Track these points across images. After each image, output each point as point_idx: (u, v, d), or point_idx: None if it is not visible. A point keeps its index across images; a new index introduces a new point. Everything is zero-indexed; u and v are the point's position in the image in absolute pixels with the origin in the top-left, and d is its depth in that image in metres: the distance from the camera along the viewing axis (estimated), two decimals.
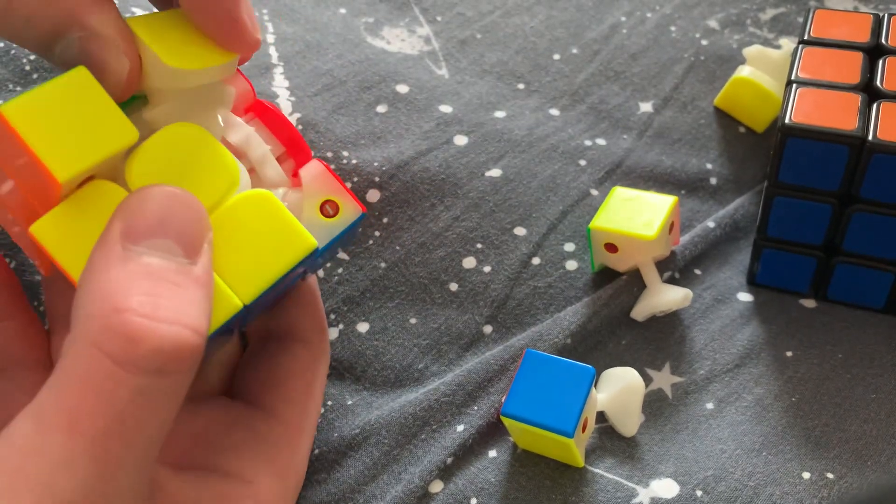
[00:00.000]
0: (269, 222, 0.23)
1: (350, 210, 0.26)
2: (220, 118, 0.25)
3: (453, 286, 0.34)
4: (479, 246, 0.35)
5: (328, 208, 0.26)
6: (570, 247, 0.36)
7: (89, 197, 0.22)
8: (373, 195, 0.35)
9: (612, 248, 0.33)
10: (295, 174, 0.27)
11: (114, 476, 0.19)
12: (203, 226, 0.21)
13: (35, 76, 0.38)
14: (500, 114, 0.39)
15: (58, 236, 0.22)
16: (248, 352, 0.30)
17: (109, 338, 0.19)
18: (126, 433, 0.19)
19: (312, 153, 0.27)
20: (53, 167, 0.21)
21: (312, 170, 0.26)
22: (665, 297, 0.33)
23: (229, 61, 0.24)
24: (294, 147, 0.27)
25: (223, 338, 0.27)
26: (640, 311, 0.33)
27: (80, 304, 0.20)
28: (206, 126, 0.24)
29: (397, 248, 0.35)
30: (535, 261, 0.35)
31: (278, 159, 0.26)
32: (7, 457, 0.19)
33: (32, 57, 0.38)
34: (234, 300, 0.22)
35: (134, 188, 0.22)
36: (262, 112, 0.26)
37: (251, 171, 0.26)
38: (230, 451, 0.26)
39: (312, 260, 0.25)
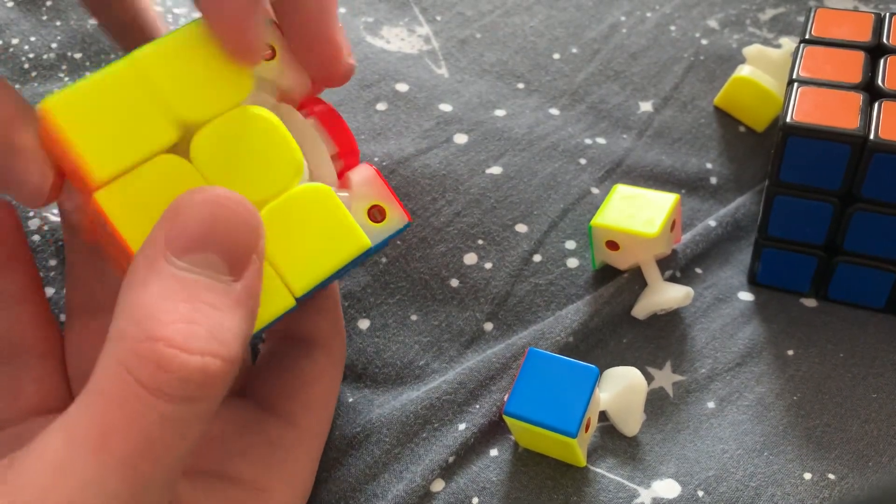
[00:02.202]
0: (326, 217, 0.23)
1: (396, 217, 0.26)
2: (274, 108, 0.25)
3: (454, 282, 0.34)
4: (480, 242, 0.35)
5: (375, 213, 0.26)
6: (570, 244, 0.35)
7: (156, 170, 0.22)
8: None
9: (613, 245, 0.33)
10: (341, 175, 0.27)
11: (142, 495, 0.19)
12: (252, 236, 0.21)
13: (34, 73, 0.38)
14: (499, 112, 0.39)
15: (121, 206, 0.22)
16: (266, 353, 0.30)
17: (139, 363, 0.19)
18: (155, 454, 0.19)
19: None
20: (92, 167, 0.21)
21: (364, 173, 0.26)
22: (666, 294, 0.33)
23: (245, 97, 0.24)
24: (347, 149, 0.26)
25: None
26: (642, 309, 0.33)
27: (117, 316, 0.20)
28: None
29: (398, 242, 0.34)
30: (537, 258, 0.35)
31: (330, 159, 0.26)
32: (37, 473, 0.19)
33: (32, 55, 0.38)
34: (287, 297, 0.22)
35: (197, 165, 0.22)
36: (319, 109, 0.26)
37: None
38: (243, 457, 0.26)
39: (359, 261, 0.24)
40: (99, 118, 0.21)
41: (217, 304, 0.20)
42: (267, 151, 0.23)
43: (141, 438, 0.19)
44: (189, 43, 0.23)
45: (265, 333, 0.31)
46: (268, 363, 0.29)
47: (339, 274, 0.24)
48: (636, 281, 0.34)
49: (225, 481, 0.25)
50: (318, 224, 0.23)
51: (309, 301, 0.29)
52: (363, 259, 0.26)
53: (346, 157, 0.27)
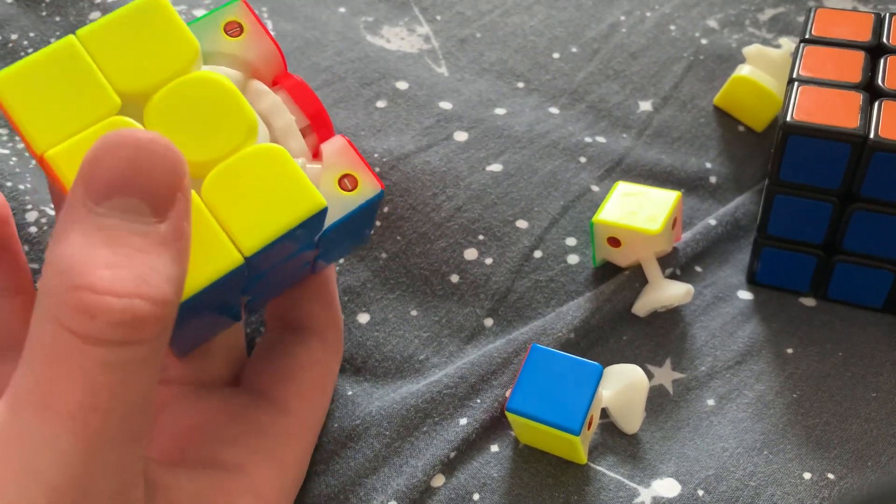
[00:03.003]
0: (278, 177, 0.23)
1: (368, 186, 0.26)
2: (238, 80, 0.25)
3: (454, 278, 0.34)
4: (480, 237, 0.35)
5: (346, 182, 0.26)
6: (571, 241, 0.35)
7: (107, 131, 0.22)
8: None
9: (615, 242, 0.33)
10: (316, 151, 0.27)
11: (98, 452, 0.19)
12: (175, 175, 0.20)
13: None
14: (499, 111, 0.39)
15: (72, 166, 0.22)
16: (261, 342, 0.30)
17: (69, 313, 0.18)
18: (102, 405, 0.19)
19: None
20: (35, 137, 0.22)
21: (335, 144, 0.26)
22: (667, 292, 0.33)
23: (190, 66, 0.24)
24: (318, 122, 0.26)
25: (222, 319, 0.26)
26: (642, 307, 0.33)
27: (43, 272, 0.19)
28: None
29: (398, 238, 0.35)
30: (537, 254, 0.35)
31: (302, 132, 0.26)
32: None
33: (31, 51, 0.38)
34: (235, 255, 0.22)
35: (150, 128, 0.22)
36: (289, 84, 0.26)
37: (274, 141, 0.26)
38: (230, 442, 0.25)
39: (320, 229, 0.24)
40: (41, 91, 0.22)
41: (142, 246, 0.19)
42: (220, 113, 0.23)
43: (84, 389, 0.18)
44: (135, 17, 0.23)
45: (266, 323, 0.31)
46: (262, 351, 0.29)
47: (304, 240, 0.24)
48: (637, 278, 0.34)
49: (210, 467, 0.25)
50: (271, 183, 0.23)
51: (304, 290, 0.29)
52: (340, 246, 0.25)
53: (319, 129, 0.26)
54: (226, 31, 0.25)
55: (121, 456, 0.20)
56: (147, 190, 0.20)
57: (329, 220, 0.25)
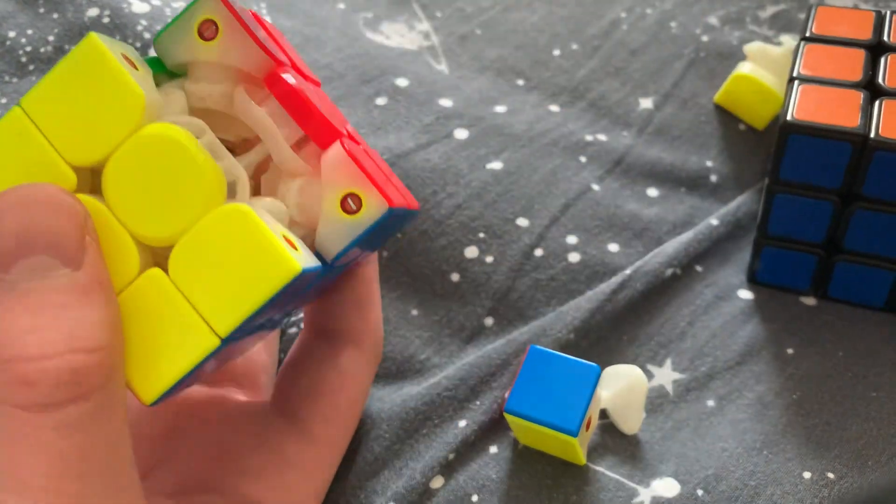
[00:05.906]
0: (246, 242, 0.20)
1: (374, 205, 0.22)
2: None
3: (455, 277, 0.34)
4: (481, 235, 0.35)
5: (350, 203, 0.22)
6: (572, 239, 0.35)
7: None
8: None
9: None
10: (318, 158, 0.24)
11: None
12: (75, 220, 0.19)
13: (31, 67, 0.38)
14: (500, 109, 0.39)
15: None
16: (295, 349, 0.29)
17: (7, 389, 0.18)
18: (73, 467, 0.18)
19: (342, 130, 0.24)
20: None
21: (333, 156, 0.23)
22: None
23: (138, 121, 0.21)
24: (315, 130, 0.23)
25: (241, 344, 0.24)
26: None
27: None
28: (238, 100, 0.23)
29: (399, 236, 0.34)
30: (538, 252, 0.35)
31: (300, 142, 0.23)
32: None
33: (29, 48, 0.38)
34: (210, 338, 0.20)
35: (107, 199, 0.21)
36: (280, 90, 0.23)
37: (268, 159, 0.24)
38: (253, 474, 0.25)
39: (307, 283, 0.22)
40: None
41: (63, 301, 0.19)
42: (179, 175, 0.20)
43: (49, 460, 0.18)
44: (74, 71, 0.21)
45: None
46: (294, 364, 0.28)
47: (291, 296, 0.22)
48: (639, 278, 0.34)
49: (227, 499, 0.24)
50: (238, 251, 0.20)
51: (339, 293, 0.28)
52: (327, 273, 0.23)
53: (318, 138, 0.23)
54: (200, 34, 0.23)
55: (120, 493, 0.19)
56: (51, 243, 0.19)
57: (334, 249, 0.23)
